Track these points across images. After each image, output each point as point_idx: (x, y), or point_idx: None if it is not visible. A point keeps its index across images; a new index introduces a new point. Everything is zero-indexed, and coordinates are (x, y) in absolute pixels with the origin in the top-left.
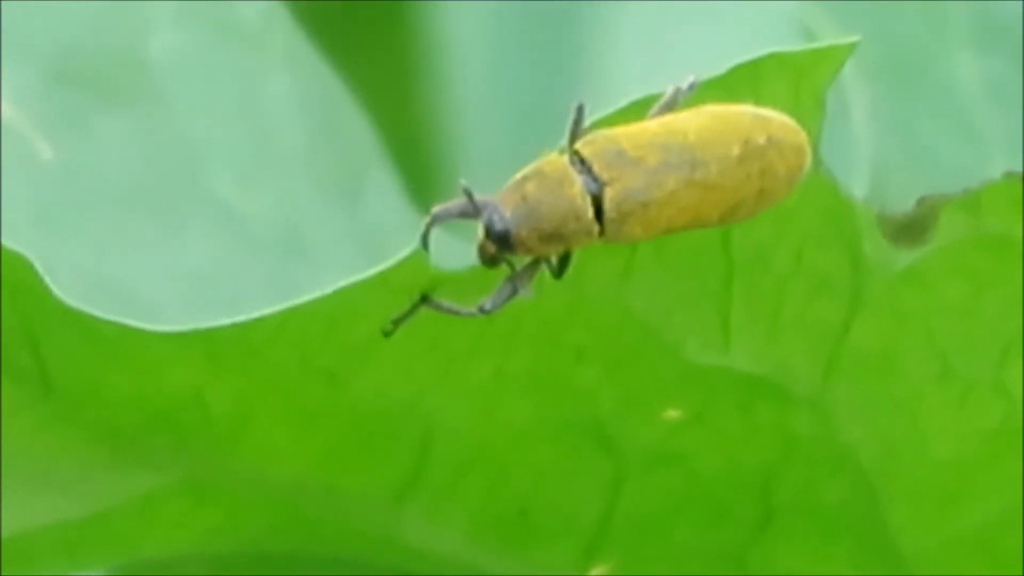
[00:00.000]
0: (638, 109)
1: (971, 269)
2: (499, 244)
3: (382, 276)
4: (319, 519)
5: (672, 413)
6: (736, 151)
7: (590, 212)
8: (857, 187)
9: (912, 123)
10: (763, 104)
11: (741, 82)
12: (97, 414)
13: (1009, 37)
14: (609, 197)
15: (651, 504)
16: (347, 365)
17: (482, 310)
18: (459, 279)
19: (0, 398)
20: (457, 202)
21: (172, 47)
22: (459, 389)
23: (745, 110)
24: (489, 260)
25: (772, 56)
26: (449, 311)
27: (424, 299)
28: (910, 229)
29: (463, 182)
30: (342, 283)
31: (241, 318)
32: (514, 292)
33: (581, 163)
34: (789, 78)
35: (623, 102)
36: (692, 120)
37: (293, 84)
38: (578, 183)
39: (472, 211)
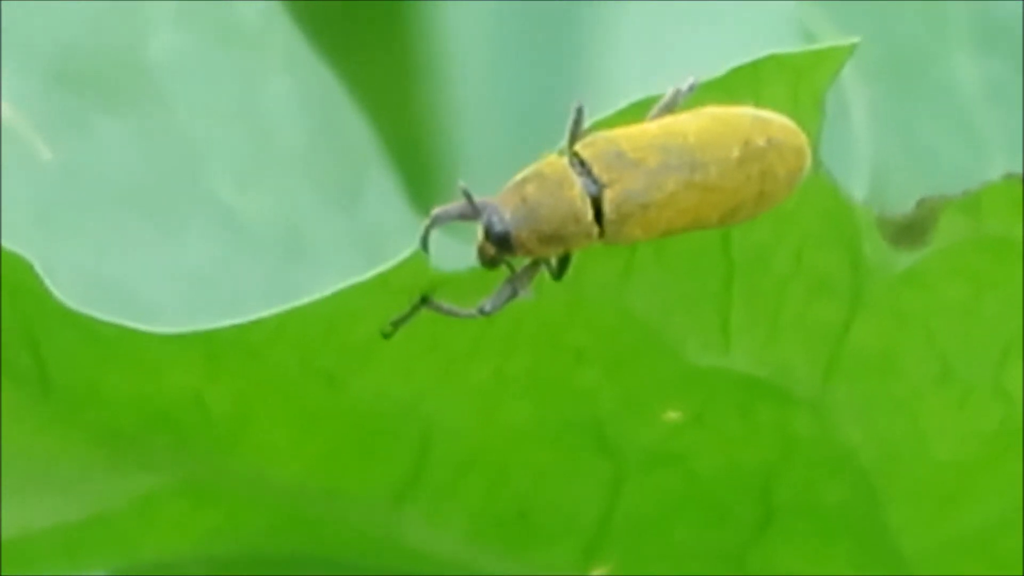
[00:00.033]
0: (638, 111)
1: (971, 270)
2: (499, 246)
3: (382, 278)
4: (319, 520)
5: (672, 414)
6: (736, 153)
7: (590, 214)
8: (857, 188)
9: (912, 123)
10: (763, 106)
11: (740, 84)
12: (97, 415)
13: (1009, 37)
14: (609, 199)
15: (651, 505)
16: (346, 366)
17: (482, 311)
18: (459, 280)
19: (0, 399)
20: (457, 204)
21: (172, 47)
22: (459, 390)
23: (745, 112)
24: (489, 262)
25: (771, 58)
26: (449, 312)
27: (424, 300)
28: (910, 230)
29: (462, 184)
30: (342, 284)
31: (241, 319)
32: (514, 293)
33: (581, 165)
34: (788, 80)
35: (623, 104)
36: (692, 122)
37: (293, 84)
38: (578, 185)
39: (472, 213)
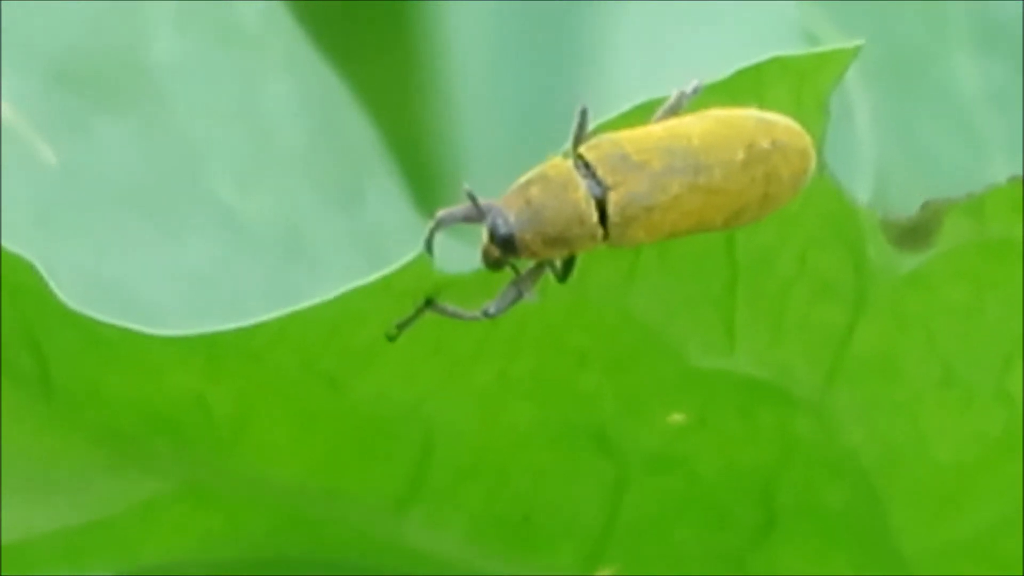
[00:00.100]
0: (642, 113)
1: (974, 273)
2: (503, 248)
3: (385, 281)
4: (320, 522)
5: (675, 416)
6: (740, 155)
7: (594, 216)
8: (861, 191)
9: (912, 124)
10: (766, 108)
11: (744, 86)
12: (98, 416)
13: (1009, 38)
14: (613, 201)
15: (653, 507)
16: (349, 369)
17: (486, 314)
18: (463, 283)
19: (0, 400)
20: (461, 206)
21: (172, 48)
22: (462, 392)
23: (749, 114)
24: (493, 264)
25: (775, 60)
26: (453, 315)
27: (428, 303)
28: (914, 233)
29: (467, 186)
30: (345, 288)
31: (243, 322)
32: (518, 296)
33: (585, 167)
34: (792, 82)
35: (627, 106)
36: (696, 124)
37: (293, 85)
38: (582, 187)
39: (476, 215)
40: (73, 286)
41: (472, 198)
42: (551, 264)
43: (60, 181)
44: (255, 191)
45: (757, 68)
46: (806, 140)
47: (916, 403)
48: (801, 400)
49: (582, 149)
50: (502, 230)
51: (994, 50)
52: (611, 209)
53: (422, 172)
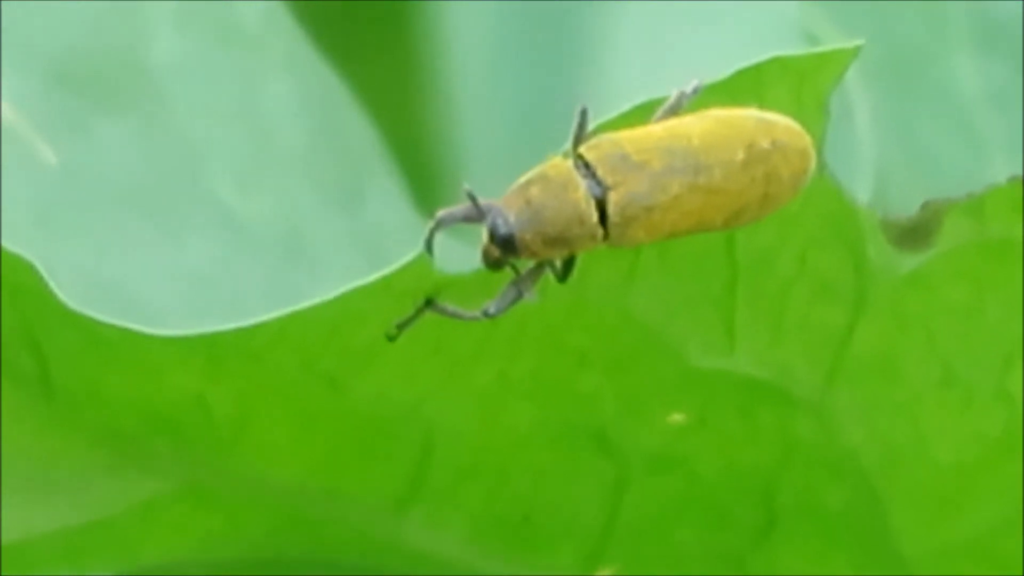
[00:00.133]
0: (642, 113)
1: (974, 273)
2: (503, 248)
3: (385, 281)
4: (320, 523)
5: (675, 417)
6: (740, 155)
7: (594, 216)
8: (861, 191)
9: (911, 123)
10: (766, 108)
11: (744, 86)
12: (98, 416)
13: (1009, 38)
14: (613, 201)
15: (653, 508)
16: (349, 369)
17: (486, 314)
18: (463, 283)
19: (1, 400)
20: (461, 206)
21: (172, 48)
22: (462, 393)
23: (749, 114)
24: (493, 264)
25: (775, 60)
26: (453, 315)
27: (428, 303)
28: (914, 233)
29: (467, 186)
30: (345, 288)
31: (243, 322)
32: (518, 296)
33: (585, 167)
34: (792, 82)
35: (627, 106)
36: (696, 124)
37: (293, 85)
38: (582, 187)
39: (476, 215)
40: (73, 286)
41: (472, 198)
42: (551, 264)
43: (60, 181)
44: (255, 191)
45: (757, 68)
46: (806, 140)
47: (916, 403)
48: (801, 400)
49: (582, 149)
50: (502, 230)
51: (994, 50)
52: (611, 209)
53: (422, 172)
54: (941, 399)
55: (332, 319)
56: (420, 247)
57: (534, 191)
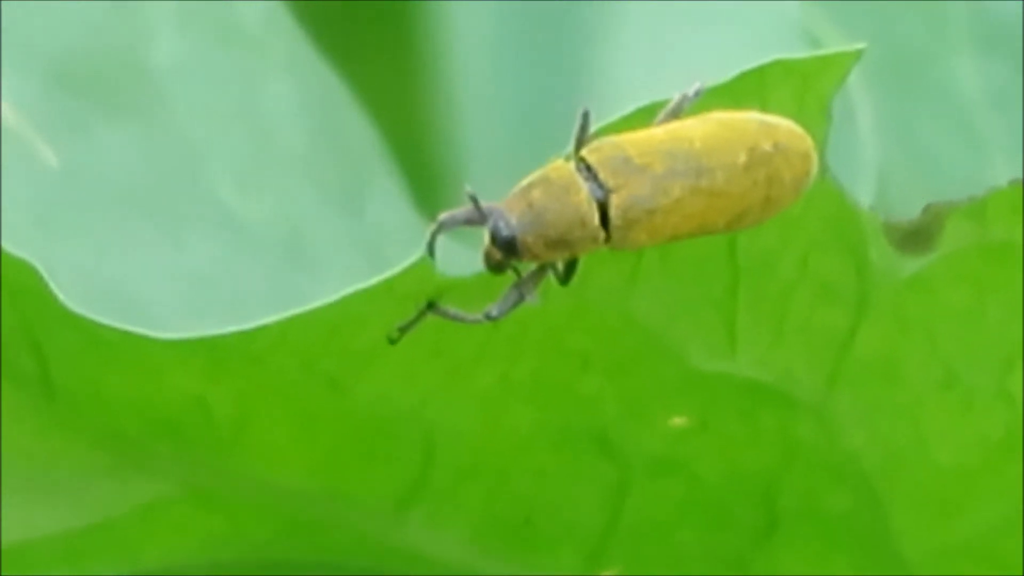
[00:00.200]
0: (644, 116)
1: (975, 276)
2: (505, 251)
3: (387, 283)
4: (321, 524)
5: (676, 420)
6: (742, 158)
7: (596, 219)
8: (863, 194)
9: (912, 124)
10: (768, 111)
11: (747, 89)
12: (99, 418)
13: (1009, 38)
14: (615, 204)
15: (655, 510)
16: (350, 371)
17: (488, 317)
18: (465, 286)
19: (1, 402)
20: (463, 209)
21: (173, 49)
22: (463, 395)
23: (751, 117)
24: (495, 267)
25: (777, 63)
26: (455, 318)
27: (430, 306)
28: (916, 236)
29: (469, 189)
30: (347, 290)
31: (244, 325)
32: (520, 299)
33: (587, 170)
34: (795, 85)
35: (629, 108)
36: (698, 127)
37: (294, 86)
38: (584, 190)
39: (478, 218)
40: (73, 287)
41: (474, 201)
42: (553, 267)
43: (60, 182)
44: (255, 191)
45: (760, 71)
46: (808, 142)
47: (917, 406)
48: (803, 403)
49: (584, 152)
50: (504, 233)
51: (994, 51)
52: (613, 212)
53: (423, 173)
54: (942, 401)
55: (333, 321)
56: (422, 250)
57: (536, 194)
